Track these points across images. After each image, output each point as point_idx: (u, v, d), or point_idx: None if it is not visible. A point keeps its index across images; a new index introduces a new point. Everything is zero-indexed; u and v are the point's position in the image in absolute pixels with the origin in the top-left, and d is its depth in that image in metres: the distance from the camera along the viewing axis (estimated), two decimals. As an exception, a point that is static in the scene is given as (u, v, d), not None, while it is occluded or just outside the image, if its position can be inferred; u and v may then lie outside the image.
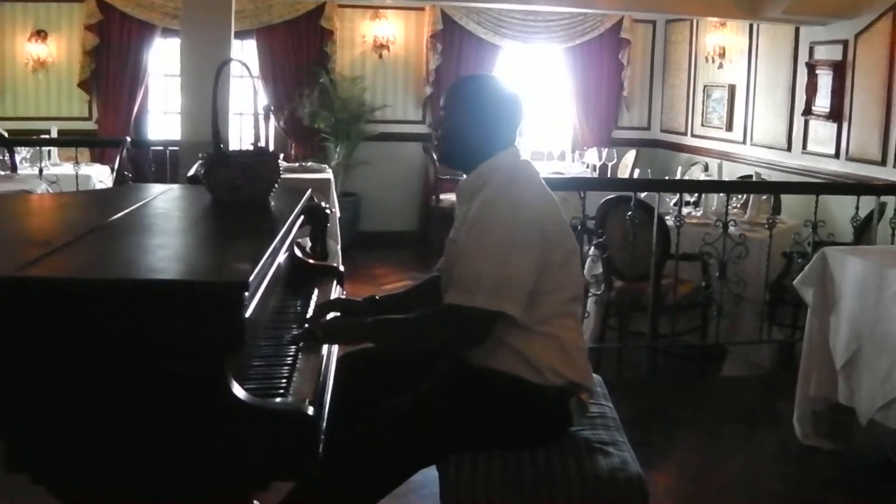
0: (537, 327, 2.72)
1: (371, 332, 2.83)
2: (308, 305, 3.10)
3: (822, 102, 7.71)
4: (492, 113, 2.83)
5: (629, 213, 5.54)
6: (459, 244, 2.74)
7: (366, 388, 2.86)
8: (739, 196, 6.53)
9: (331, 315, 2.97)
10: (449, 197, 8.64)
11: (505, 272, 2.62)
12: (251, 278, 2.09)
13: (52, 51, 9.51)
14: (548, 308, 2.74)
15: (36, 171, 7.65)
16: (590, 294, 5.73)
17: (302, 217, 3.33)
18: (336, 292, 3.36)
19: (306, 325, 2.78)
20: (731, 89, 9.28)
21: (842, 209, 6.28)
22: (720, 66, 9.45)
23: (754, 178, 7.58)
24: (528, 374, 2.73)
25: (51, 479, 2.06)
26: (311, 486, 2.54)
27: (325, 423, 2.30)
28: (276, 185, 3.21)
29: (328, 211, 3.84)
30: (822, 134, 7.79)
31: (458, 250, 2.75)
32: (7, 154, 7.72)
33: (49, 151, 8.34)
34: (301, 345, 2.64)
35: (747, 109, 9.05)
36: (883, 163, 7.05)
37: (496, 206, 2.68)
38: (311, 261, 3.55)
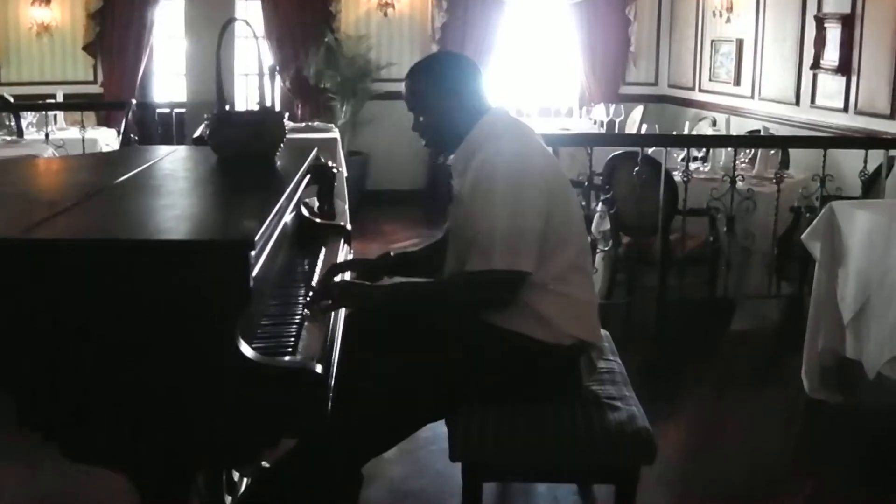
0: (551, 285, 2.73)
1: (387, 298, 2.85)
2: (315, 265, 3.12)
3: (831, 56, 7.63)
4: (448, 88, 2.85)
5: (636, 168, 5.53)
6: (467, 209, 2.74)
7: (374, 344, 2.87)
8: (747, 151, 6.50)
9: (343, 276, 2.99)
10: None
11: (517, 225, 2.64)
12: (257, 237, 2.10)
13: (56, 15, 9.46)
14: (559, 263, 2.74)
15: (42, 135, 7.65)
16: (598, 250, 5.73)
17: (309, 176, 3.33)
18: (343, 251, 3.38)
19: (319, 285, 2.80)
20: (739, 44, 9.19)
21: (850, 163, 6.24)
22: (728, 20, 9.36)
23: (762, 133, 7.53)
24: (539, 334, 2.74)
25: (62, 438, 2.08)
26: (318, 441, 2.56)
27: (333, 381, 2.32)
28: (282, 145, 3.21)
29: (335, 170, 3.85)
30: (831, 88, 7.73)
31: (465, 216, 2.74)
32: (13, 119, 7.73)
33: (55, 116, 8.32)
34: (313, 305, 2.65)
35: (755, 64, 8.97)
36: (892, 116, 6.98)
37: (496, 162, 2.69)
38: (317, 220, 3.56)
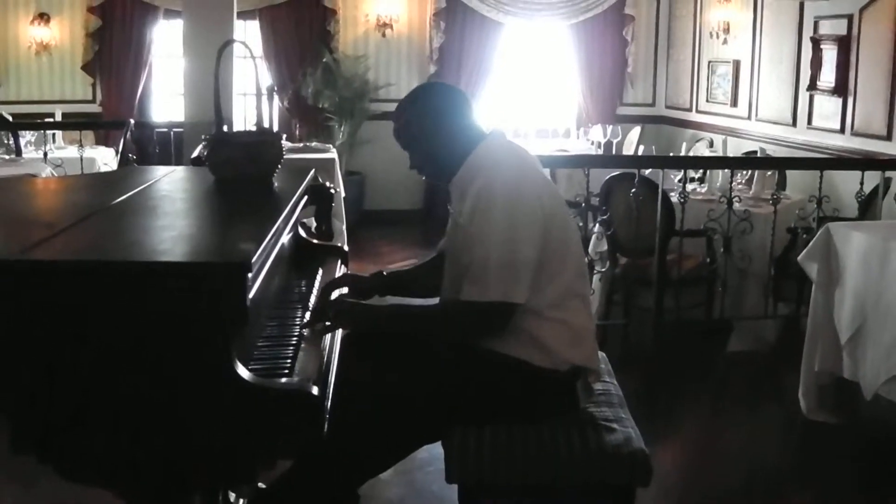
0: (548, 311, 2.73)
1: (383, 320, 2.85)
2: (312, 286, 3.12)
3: (827, 77, 7.67)
4: (437, 120, 2.84)
5: (633, 189, 5.54)
6: (464, 234, 2.74)
7: (370, 366, 2.87)
8: (744, 172, 6.52)
9: (338, 292, 2.99)
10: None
11: (513, 255, 2.63)
12: (254, 259, 2.10)
13: (55, 34, 9.49)
14: (556, 290, 2.74)
15: (40, 154, 7.65)
16: (595, 271, 5.74)
17: (306, 197, 3.34)
18: (340, 272, 3.38)
19: (315, 307, 2.80)
20: (736, 65, 9.24)
21: (847, 184, 6.26)
22: (724, 41, 9.40)
23: (759, 154, 7.55)
24: (536, 359, 2.74)
25: (58, 458, 2.07)
26: (314, 462, 2.56)
27: (329, 402, 2.32)
28: (280, 166, 3.22)
29: (333, 191, 3.85)
30: (827, 109, 7.76)
31: (462, 241, 2.75)
32: (12, 138, 7.74)
33: (53, 135, 8.35)
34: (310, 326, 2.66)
35: (752, 85, 9.01)
36: (888, 137, 7.02)
37: (493, 189, 2.68)
38: (314, 241, 3.57)
